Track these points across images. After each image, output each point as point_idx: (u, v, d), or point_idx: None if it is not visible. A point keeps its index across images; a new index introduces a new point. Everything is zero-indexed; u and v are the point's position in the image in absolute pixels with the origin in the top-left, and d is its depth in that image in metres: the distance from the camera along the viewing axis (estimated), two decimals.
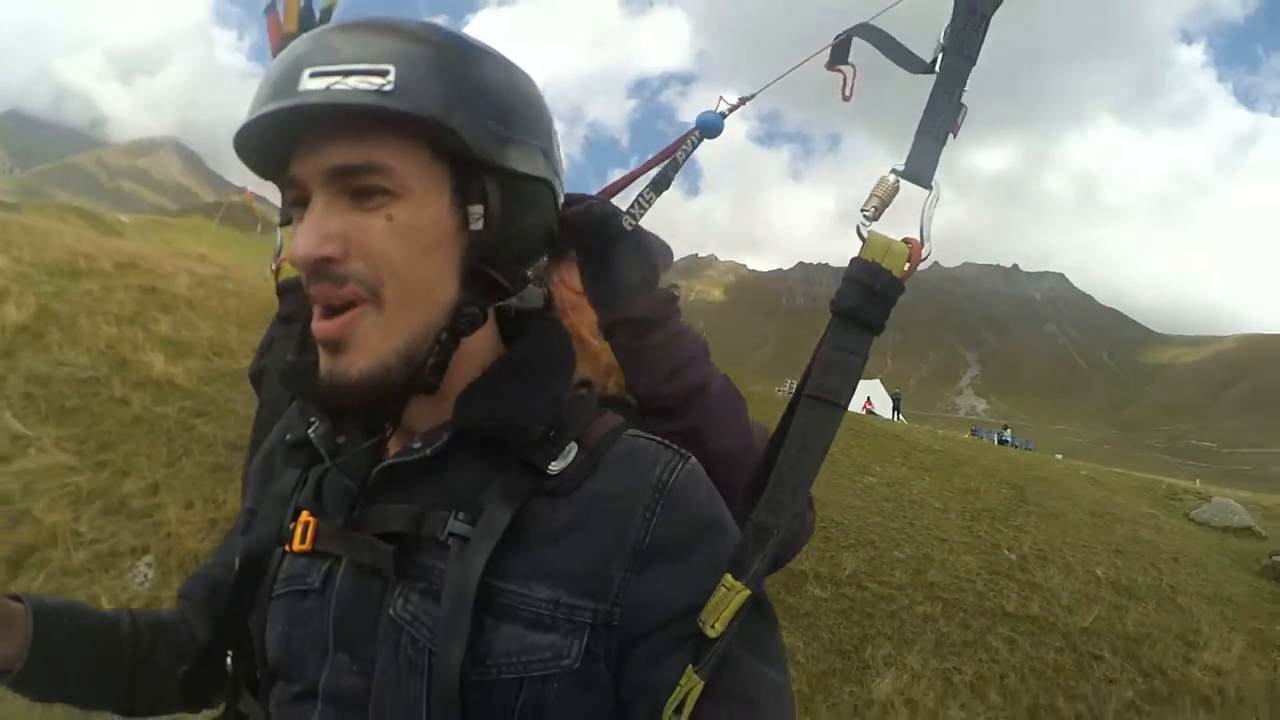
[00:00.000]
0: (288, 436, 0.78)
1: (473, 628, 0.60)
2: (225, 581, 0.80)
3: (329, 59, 0.59)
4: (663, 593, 0.62)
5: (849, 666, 5.75)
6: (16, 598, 0.74)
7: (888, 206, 0.66)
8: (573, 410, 0.70)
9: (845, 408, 0.61)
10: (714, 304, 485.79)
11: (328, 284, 0.61)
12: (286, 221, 0.69)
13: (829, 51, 1.08)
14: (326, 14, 1.11)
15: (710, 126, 0.97)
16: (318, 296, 0.62)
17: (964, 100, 0.67)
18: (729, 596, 0.58)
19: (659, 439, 0.71)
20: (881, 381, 54.86)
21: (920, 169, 0.65)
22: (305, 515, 0.70)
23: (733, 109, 1.00)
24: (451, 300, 0.65)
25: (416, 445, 0.67)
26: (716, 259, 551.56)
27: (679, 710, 0.58)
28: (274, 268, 1.11)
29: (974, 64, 0.68)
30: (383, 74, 0.58)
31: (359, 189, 0.61)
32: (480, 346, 0.70)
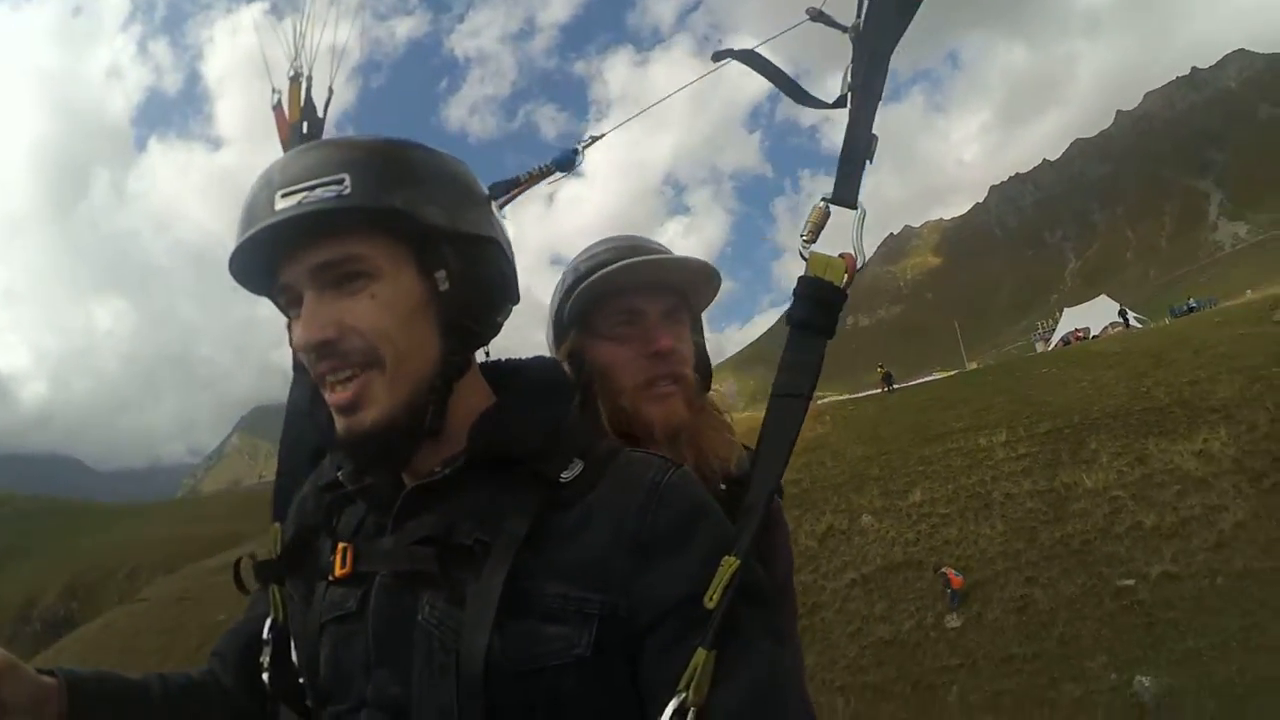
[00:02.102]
0: (320, 482, 0.90)
1: (493, 626, 0.68)
2: (258, 636, 0.91)
3: (293, 179, 0.73)
4: (663, 583, 0.70)
5: None
6: (49, 672, 0.79)
7: (822, 229, 0.80)
8: (576, 430, 0.82)
9: (809, 398, 0.76)
10: (933, 270, 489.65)
11: (333, 361, 0.74)
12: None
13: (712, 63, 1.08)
14: (325, 105, 1.21)
15: (564, 161, 1.05)
16: (326, 373, 0.75)
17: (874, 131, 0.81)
18: (724, 570, 0.68)
19: (656, 453, 0.82)
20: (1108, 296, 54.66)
21: (846, 194, 0.80)
22: (342, 545, 0.80)
23: (585, 146, 1.09)
24: (438, 353, 0.77)
25: (436, 469, 0.78)
26: (911, 227, 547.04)
27: (689, 687, 0.64)
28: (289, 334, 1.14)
29: (880, 99, 0.80)
30: (339, 181, 0.72)
31: (341, 278, 0.74)
32: (471, 393, 0.82)
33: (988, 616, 12.44)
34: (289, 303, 0.78)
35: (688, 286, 1.17)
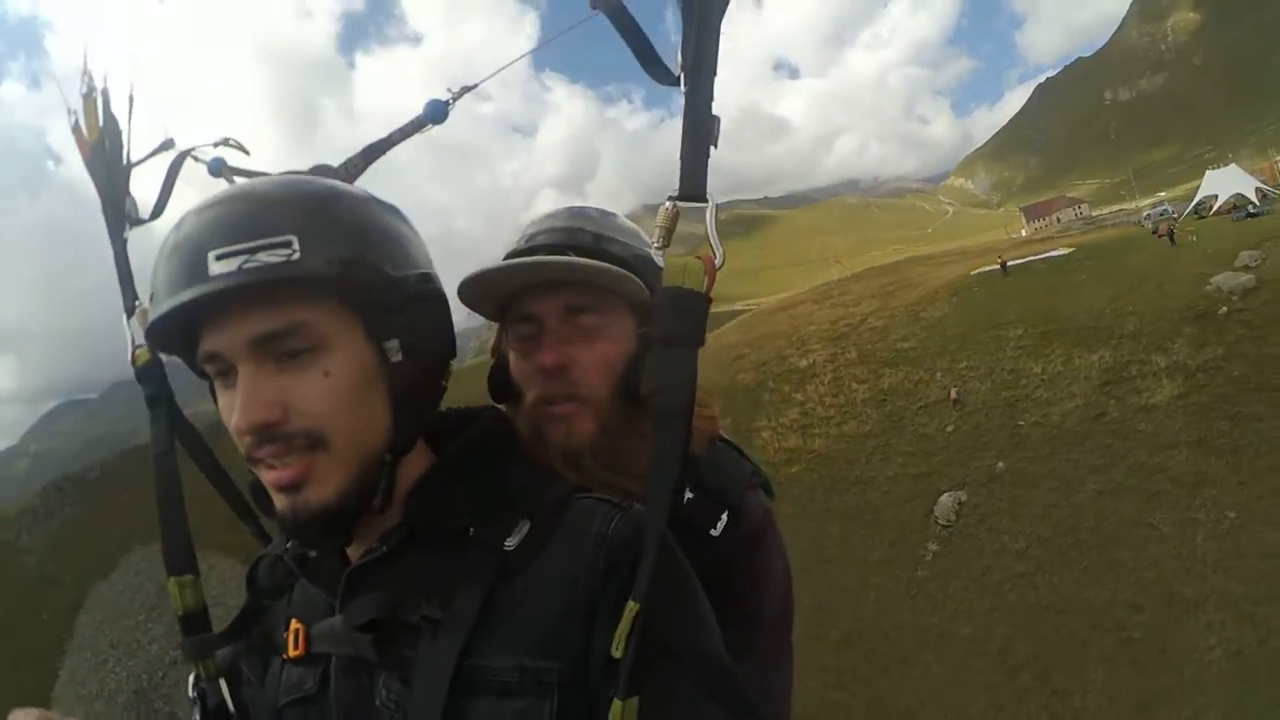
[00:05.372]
0: (273, 552, 0.88)
1: (446, 707, 0.66)
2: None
3: (229, 239, 0.66)
4: (603, 640, 0.67)
5: None
6: None
7: (674, 231, 0.78)
8: (519, 487, 0.79)
9: (690, 416, 0.71)
10: (1194, 30, 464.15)
11: (276, 446, 0.68)
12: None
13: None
14: (128, 116, 1.11)
15: (435, 113, 1.04)
16: (266, 457, 0.69)
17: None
18: (626, 616, 0.65)
19: (605, 498, 0.78)
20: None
21: (693, 188, 0.75)
22: (295, 623, 0.78)
23: (456, 97, 1.05)
24: (388, 426, 0.73)
25: (375, 544, 0.76)
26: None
27: None
28: (131, 356, 1.04)
29: (715, 74, 0.76)
30: (286, 245, 0.66)
31: (285, 351, 0.68)
32: (413, 459, 0.78)
33: None
34: (217, 371, 0.72)
35: (601, 281, 0.98)
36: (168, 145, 1.14)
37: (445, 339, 0.81)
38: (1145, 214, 48.79)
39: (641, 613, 0.66)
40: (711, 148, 0.77)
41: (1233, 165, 43.17)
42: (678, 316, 0.74)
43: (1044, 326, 19.02)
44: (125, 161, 1.10)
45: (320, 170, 0.94)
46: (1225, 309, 16.44)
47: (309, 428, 0.69)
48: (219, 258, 0.66)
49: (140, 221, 1.11)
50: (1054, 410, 16.39)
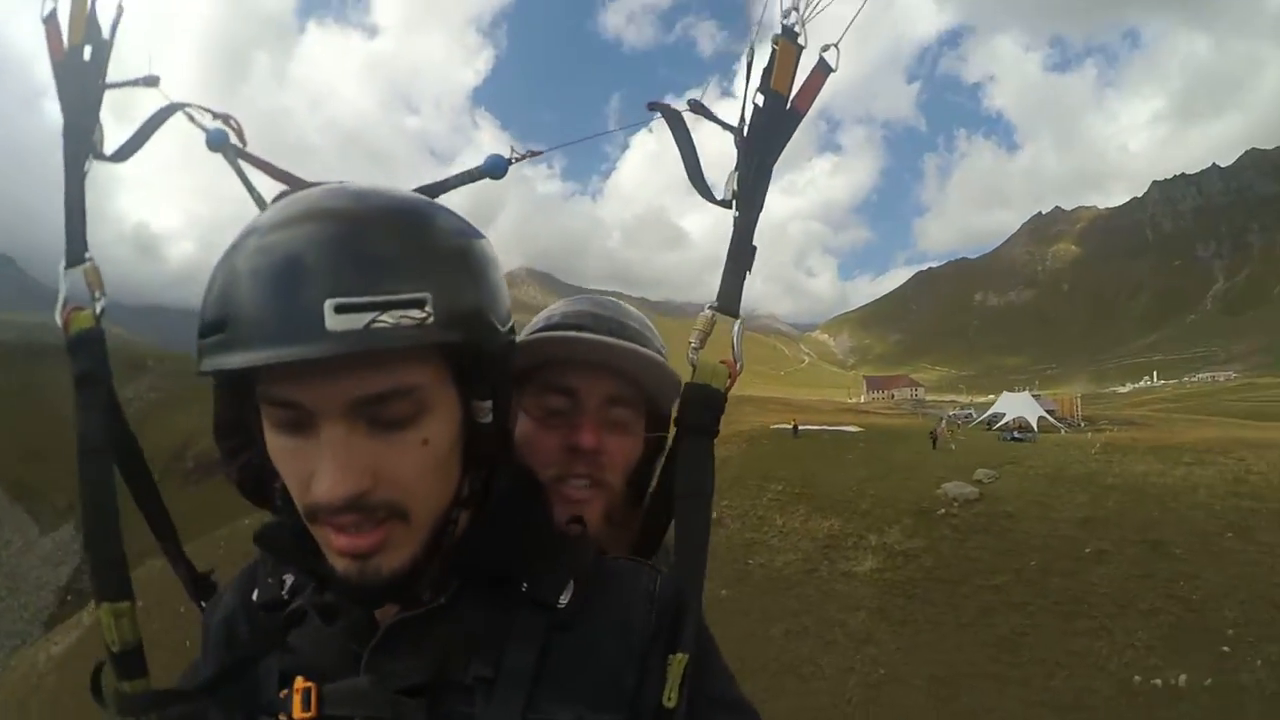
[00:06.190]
0: (254, 597, 0.79)
1: None
2: None
3: (356, 286, 0.56)
4: (653, 692, 0.70)
5: None
6: None
7: (709, 335, 0.89)
8: (562, 542, 0.79)
9: (711, 496, 0.82)
10: (1071, 260, 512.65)
11: (359, 516, 0.62)
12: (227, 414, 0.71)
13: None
14: (114, 28, 1.00)
15: (495, 168, 1.03)
16: (346, 526, 0.62)
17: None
18: (674, 667, 0.70)
19: (625, 558, 0.82)
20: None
21: (728, 304, 0.90)
22: (301, 681, 0.68)
23: (520, 159, 1.04)
24: (457, 483, 0.70)
25: (426, 596, 0.71)
26: (1062, 209, 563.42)
27: None
28: (61, 319, 0.93)
29: (760, 211, 0.88)
30: (420, 304, 0.58)
31: (383, 414, 0.61)
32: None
33: None
34: (286, 420, 0.62)
35: (645, 376, 1.02)
36: (152, 81, 1.05)
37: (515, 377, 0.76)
38: (951, 413, 54.31)
39: (690, 663, 0.70)
40: (748, 273, 0.90)
41: (1026, 392, 49.84)
42: (703, 410, 0.88)
43: (799, 488, 22.31)
44: (102, 81, 0.98)
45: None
46: (943, 511, 19.88)
47: (394, 499, 0.63)
48: (340, 310, 0.56)
49: (104, 157, 1.00)
50: (779, 558, 19.41)
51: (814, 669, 16.32)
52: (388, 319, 0.57)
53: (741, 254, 0.91)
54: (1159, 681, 13.47)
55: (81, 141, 0.97)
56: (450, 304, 0.61)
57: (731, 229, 0.93)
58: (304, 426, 0.62)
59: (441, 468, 0.67)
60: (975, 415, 48.31)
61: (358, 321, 0.56)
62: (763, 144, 0.93)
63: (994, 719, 13.87)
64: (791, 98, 0.95)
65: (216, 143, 1.04)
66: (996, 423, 41.82)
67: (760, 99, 0.95)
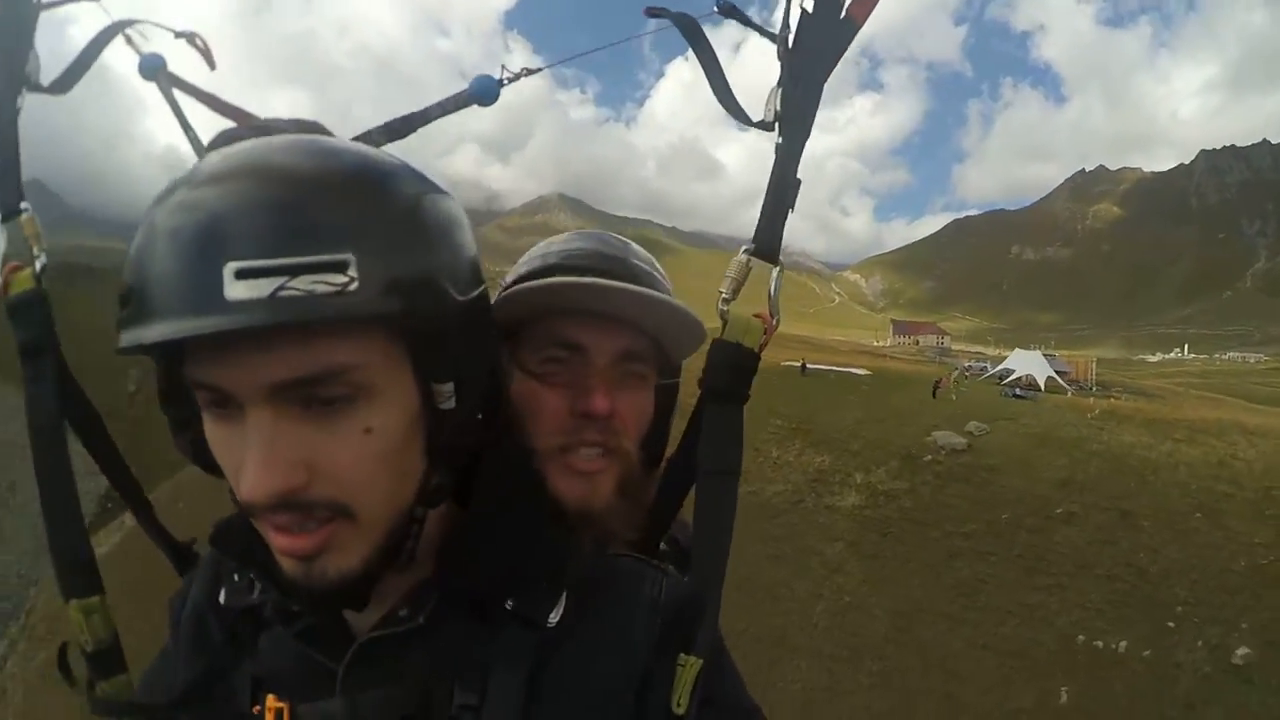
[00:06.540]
0: (222, 599, 0.72)
1: None
2: None
3: (260, 247, 0.48)
4: (659, 699, 0.66)
5: None
6: None
7: (743, 284, 0.77)
8: (559, 551, 0.69)
9: (739, 473, 0.72)
10: (1112, 221, 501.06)
11: (297, 515, 0.55)
12: (168, 392, 0.60)
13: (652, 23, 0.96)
14: None
15: (485, 92, 0.94)
16: (285, 526, 0.56)
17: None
18: (686, 671, 0.65)
19: (628, 555, 0.76)
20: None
21: (767, 247, 0.76)
22: (273, 700, 0.64)
23: (513, 79, 0.95)
24: (420, 477, 0.61)
25: (404, 613, 0.65)
26: (1106, 169, 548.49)
27: None
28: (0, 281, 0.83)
29: (808, 137, 0.75)
30: (339, 267, 0.50)
31: (315, 398, 0.54)
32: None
33: None
34: (210, 401, 0.55)
35: (661, 329, 0.89)
36: None
37: (495, 370, 0.67)
38: (966, 364, 54.57)
39: (703, 669, 0.65)
40: (790, 211, 0.76)
41: (1038, 351, 49.54)
42: (730, 373, 0.76)
43: (797, 424, 23.04)
44: (36, 0, 0.85)
45: (308, 127, 0.65)
46: (930, 457, 20.70)
47: (334, 497, 0.56)
48: (240, 275, 0.48)
49: (40, 89, 0.89)
50: (770, 488, 20.32)
51: (787, 591, 17.52)
52: (298, 286, 0.49)
53: (784, 187, 0.79)
54: (1100, 644, 14.39)
55: (14, 71, 0.86)
56: (386, 269, 0.52)
57: (773, 158, 0.80)
58: (229, 407, 0.55)
59: (391, 460, 0.58)
60: (989, 369, 48.67)
61: (262, 289, 0.48)
62: (812, 58, 0.80)
63: (940, 654, 15.00)
64: (847, 4, 0.81)
65: (149, 71, 0.91)
66: (1006, 378, 42.03)
67: (809, 3, 0.81)
